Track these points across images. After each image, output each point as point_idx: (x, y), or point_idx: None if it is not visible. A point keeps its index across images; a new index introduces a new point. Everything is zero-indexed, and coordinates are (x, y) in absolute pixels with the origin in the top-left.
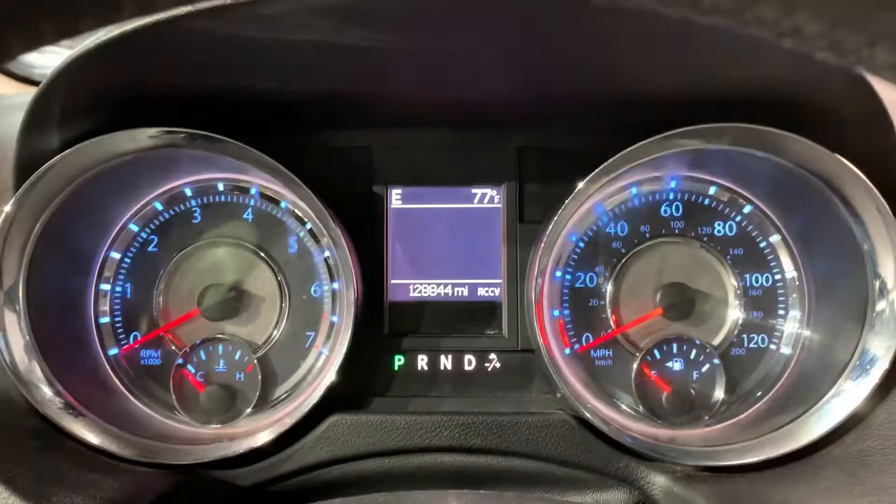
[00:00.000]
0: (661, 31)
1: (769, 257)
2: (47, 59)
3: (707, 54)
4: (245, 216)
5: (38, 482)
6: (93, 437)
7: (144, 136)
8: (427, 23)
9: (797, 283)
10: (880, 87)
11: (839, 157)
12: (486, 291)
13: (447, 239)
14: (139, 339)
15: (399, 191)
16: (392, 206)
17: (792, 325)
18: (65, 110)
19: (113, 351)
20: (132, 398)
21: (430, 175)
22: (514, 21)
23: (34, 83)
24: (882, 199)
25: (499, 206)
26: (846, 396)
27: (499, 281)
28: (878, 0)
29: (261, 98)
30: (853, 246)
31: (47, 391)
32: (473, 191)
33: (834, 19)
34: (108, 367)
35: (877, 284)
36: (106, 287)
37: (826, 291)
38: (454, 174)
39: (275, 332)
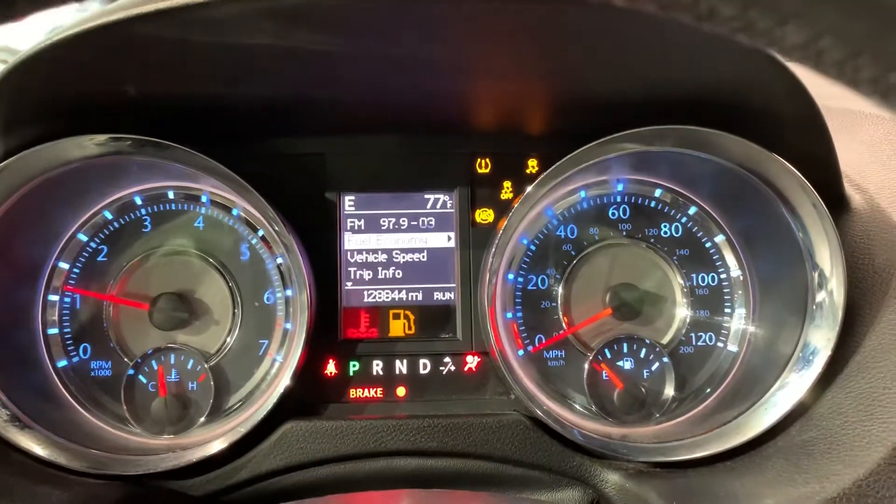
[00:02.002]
0: (602, 34)
1: (714, 257)
2: None
3: (647, 57)
4: (196, 224)
5: None
6: (40, 450)
7: (91, 143)
8: (370, 26)
9: (742, 280)
10: (814, 89)
11: (777, 156)
12: (441, 295)
13: (401, 244)
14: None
15: (352, 197)
16: (345, 211)
17: (738, 322)
18: (9, 118)
19: (62, 362)
20: (82, 410)
21: (382, 181)
22: (456, 27)
23: None
24: (817, 195)
25: (451, 210)
26: (790, 388)
27: (452, 285)
28: None
29: (211, 104)
30: (793, 242)
31: None
32: (426, 196)
33: (745, 1)
34: (56, 378)
35: (815, 276)
36: (54, 298)
37: (769, 288)
38: (407, 180)
39: (228, 340)
